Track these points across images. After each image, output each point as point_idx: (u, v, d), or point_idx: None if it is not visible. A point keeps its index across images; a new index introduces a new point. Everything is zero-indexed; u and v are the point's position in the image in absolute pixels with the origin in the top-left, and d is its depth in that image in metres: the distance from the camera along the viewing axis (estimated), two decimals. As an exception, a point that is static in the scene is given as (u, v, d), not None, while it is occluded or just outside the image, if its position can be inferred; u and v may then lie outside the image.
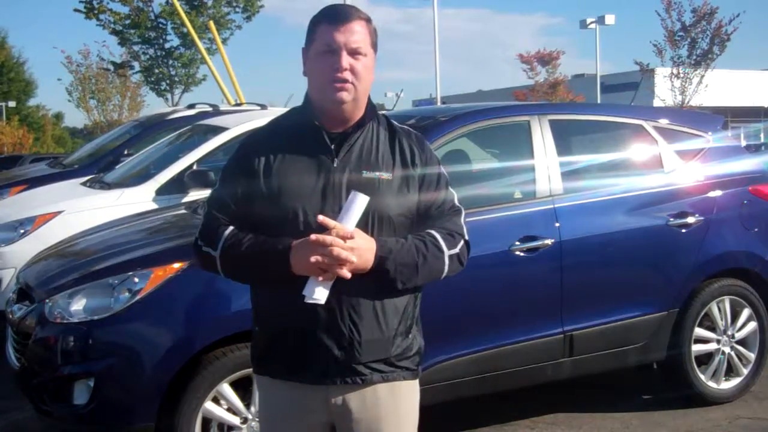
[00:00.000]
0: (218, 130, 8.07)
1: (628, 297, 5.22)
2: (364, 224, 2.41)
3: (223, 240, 2.50)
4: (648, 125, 5.64)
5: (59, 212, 7.08)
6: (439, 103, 32.58)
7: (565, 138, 5.37)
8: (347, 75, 2.45)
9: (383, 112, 2.63)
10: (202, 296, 4.23)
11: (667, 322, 5.35)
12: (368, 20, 2.54)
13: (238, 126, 8.02)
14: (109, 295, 4.22)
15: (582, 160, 5.52)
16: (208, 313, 4.21)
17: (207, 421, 4.18)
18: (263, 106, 11.29)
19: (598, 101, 36.39)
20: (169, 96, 29.58)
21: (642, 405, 5.65)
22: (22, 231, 7.01)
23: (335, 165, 2.48)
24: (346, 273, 2.34)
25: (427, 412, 2.94)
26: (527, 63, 37.88)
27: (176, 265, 4.23)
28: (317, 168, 2.48)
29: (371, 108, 2.57)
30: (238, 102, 14.27)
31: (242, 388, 4.25)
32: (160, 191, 7.29)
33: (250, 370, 4.16)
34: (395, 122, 2.64)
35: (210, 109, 11.06)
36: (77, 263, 4.74)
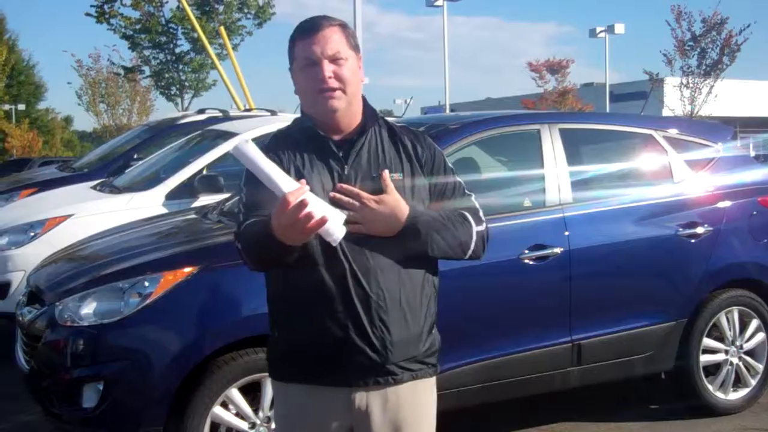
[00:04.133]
0: (228, 135, 8.10)
1: (636, 306, 5.22)
2: None
3: (242, 230, 2.53)
4: (658, 135, 5.65)
5: (69, 216, 7.11)
6: (447, 111, 32.61)
7: (575, 147, 5.38)
8: (333, 83, 2.48)
9: (392, 118, 2.65)
10: (211, 301, 4.25)
11: (675, 332, 5.34)
12: (342, 25, 2.58)
13: (248, 131, 8.03)
14: (119, 299, 4.23)
15: (592, 169, 5.52)
16: (218, 318, 4.22)
17: (215, 426, 4.19)
18: (273, 112, 11.31)
19: (607, 110, 36.37)
20: (179, 101, 29.62)
21: (649, 415, 5.64)
22: (32, 234, 7.04)
23: (346, 172, 2.50)
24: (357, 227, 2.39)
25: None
26: (536, 71, 37.94)
27: (186, 270, 4.24)
28: (329, 175, 2.50)
29: (370, 111, 2.60)
30: (248, 108, 14.28)
31: (251, 393, 4.26)
32: (170, 196, 7.32)
33: (259, 375, 4.24)
34: (393, 122, 2.69)
35: (220, 114, 11.07)
36: (87, 267, 4.77)
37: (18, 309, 4.91)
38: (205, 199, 7.02)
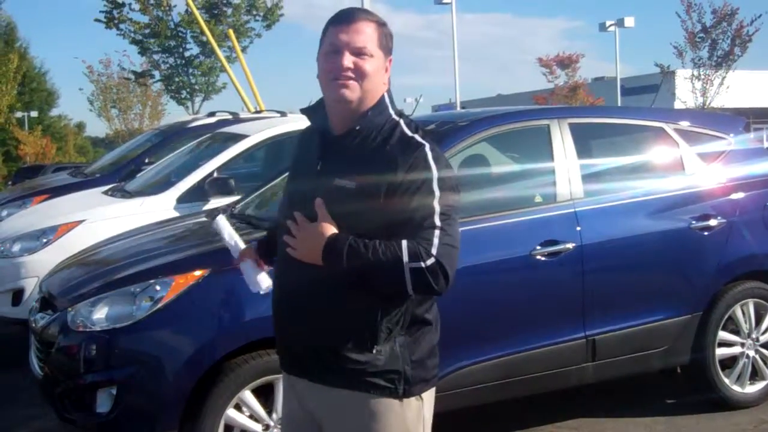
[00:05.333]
0: (238, 137, 8.10)
1: (650, 301, 5.19)
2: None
3: None
4: (669, 128, 5.61)
5: (81, 221, 7.12)
6: (458, 108, 32.58)
7: (586, 141, 5.35)
8: (349, 73, 2.46)
9: (401, 117, 2.58)
10: (223, 303, 4.24)
11: (690, 325, 5.31)
12: (379, 23, 2.54)
13: (258, 133, 8.05)
14: (131, 303, 4.23)
15: (602, 163, 5.49)
16: (230, 321, 4.22)
17: (229, 428, 4.19)
18: (283, 114, 11.31)
19: (619, 104, 36.25)
20: (189, 104, 29.73)
21: (666, 409, 5.61)
22: (44, 240, 7.06)
23: (318, 169, 2.52)
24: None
25: (449, 417, 2.93)
26: (547, 67, 37.84)
27: (197, 273, 4.24)
28: (306, 172, 2.54)
29: (373, 114, 2.51)
30: (258, 109, 14.31)
31: (264, 395, 4.25)
32: (181, 199, 7.32)
33: (272, 377, 4.23)
34: (405, 129, 2.52)
35: (230, 116, 11.10)
36: (99, 272, 4.77)
37: (31, 315, 4.91)
38: (216, 202, 7.03)
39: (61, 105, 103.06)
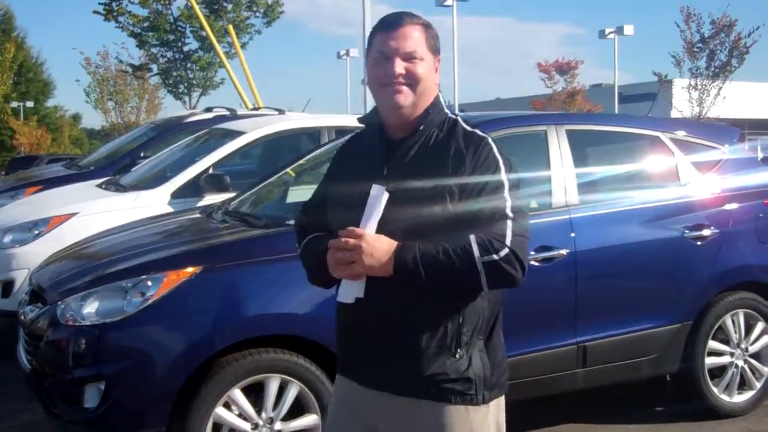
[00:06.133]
0: (235, 134, 8.08)
1: (642, 308, 5.19)
2: (402, 233, 2.38)
3: (298, 242, 2.71)
4: (665, 137, 5.62)
5: (74, 214, 7.09)
6: (456, 111, 32.50)
7: (582, 148, 5.36)
8: (401, 79, 2.47)
9: (457, 114, 2.59)
10: (215, 301, 4.22)
11: (680, 334, 5.31)
12: (425, 25, 2.55)
13: (255, 130, 8.03)
14: (121, 299, 4.21)
15: (598, 170, 5.49)
16: (221, 319, 4.20)
17: (218, 427, 4.17)
18: (281, 111, 11.32)
19: (616, 111, 36.28)
20: (186, 99, 29.68)
21: (654, 417, 5.62)
22: (36, 232, 7.03)
23: (385, 173, 2.48)
24: (357, 269, 2.36)
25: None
26: (546, 72, 37.87)
27: (190, 270, 4.23)
28: (370, 179, 2.47)
29: (434, 113, 2.52)
30: (256, 106, 14.29)
31: (253, 394, 4.24)
32: (176, 194, 7.30)
33: (262, 375, 4.23)
34: (464, 125, 2.53)
35: (227, 112, 11.09)
36: (91, 266, 4.75)
37: (20, 307, 4.90)
38: (210, 198, 7.01)
39: (57, 96, 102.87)
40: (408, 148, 2.51)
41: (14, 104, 49.01)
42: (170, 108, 41.22)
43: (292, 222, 4.66)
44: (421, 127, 2.51)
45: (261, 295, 4.30)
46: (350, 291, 2.41)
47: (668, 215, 5.36)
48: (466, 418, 2.47)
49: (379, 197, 2.37)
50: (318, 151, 6.60)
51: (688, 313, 5.33)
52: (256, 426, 4.23)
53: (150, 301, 4.14)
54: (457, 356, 2.44)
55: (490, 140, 2.50)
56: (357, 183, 2.47)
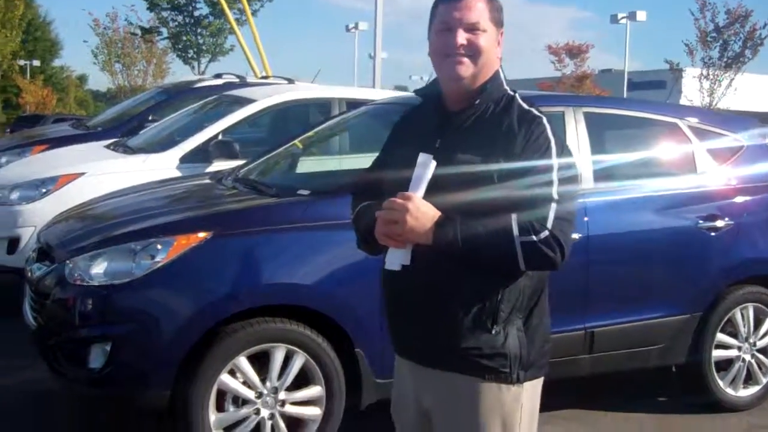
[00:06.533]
0: (245, 101, 8.01)
1: (652, 297, 5.14)
2: (446, 204, 2.36)
3: (352, 208, 2.72)
4: (683, 125, 5.54)
5: (82, 174, 7.04)
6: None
7: (599, 132, 5.29)
8: (463, 50, 2.45)
9: (516, 91, 2.55)
10: (223, 268, 4.18)
11: (689, 325, 5.26)
12: None
13: (266, 99, 7.96)
14: (130, 260, 4.17)
15: (615, 155, 5.43)
16: (229, 285, 4.15)
17: (222, 393, 4.13)
18: (290, 81, 11.24)
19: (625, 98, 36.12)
20: (195, 64, 29.57)
21: (658, 407, 5.58)
22: (43, 190, 6.98)
23: (437, 146, 2.46)
24: (399, 231, 2.34)
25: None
26: (555, 54, 37.71)
27: (200, 235, 4.18)
28: (427, 146, 2.44)
29: (492, 87, 2.50)
30: (265, 75, 14.21)
31: (259, 362, 4.20)
32: (185, 159, 7.24)
33: (268, 344, 4.19)
34: (522, 102, 2.50)
35: (237, 80, 11.03)
36: (99, 226, 4.71)
37: (27, 265, 4.86)
38: (219, 165, 6.96)
39: (64, 56, 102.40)
40: (462, 121, 2.49)
41: (21, 62, 48.81)
42: (178, 73, 41.04)
43: (303, 192, 4.64)
44: (476, 101, 2.49)
45: (270, 264, 4.26)
46: (396, 258, 2.40)
47: (683, 204, 5.30)
48: (498, 397, 2.47)
49: (426, 165, 2.37)
50: (327, 124, 6.54)
51: (698, 305, 5.28)
52: (260, 395, 4.20)
53: (159, 265, 4.10)
54: (493, 332, 2.43)
55: (544, 120, 2.47)
56: (410, 153, 2.45)
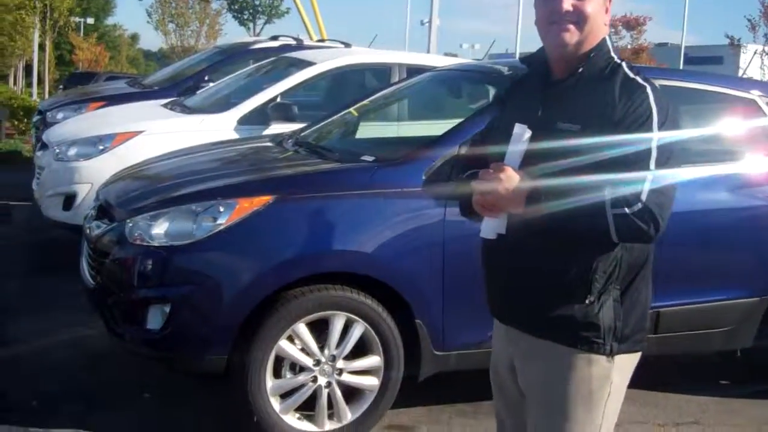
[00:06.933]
0: (304, 64, 7.90)
1: (721, 278, 4.96)
2: (541, 173, 2.33)
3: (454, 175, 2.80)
4: (762, 101, 5.33)
5: (140, 132, 6.99)
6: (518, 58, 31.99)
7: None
8: (568, 17, 2.40)
9: (623, 60, 2.47)
10: (285, 233, 4.09)
11: (758, 308, 5.07)
12: None
13: (326, 62, 7.85)
14: (191, 222, 4.09)
15: (687, 130, 5.22)
16: (292, 251, 4.07)
17: (279, 360, 4.07)
18: (347, 45, 11.11)
19: (681, 72, 35.40)
20: (250, 26, 29.49)
21: (720, 390, 5.42)
22: (101, 147, 6.94)
23: (539, 114, 2.44)
24: (493, 199, 2.33)
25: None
26: (612, 26, 37.01)
27: (263, 198, 4.09)
28: (525, 120, 2.41)
29: (597, 55, 2.44)
30: (321, 38, 14.08)
31: (317, 330, 4.13)
32: (243, 121, 7.16)
33: (328, 312, 4.11)
34: (627, 71, 2.43)
35: (294, 42, 10.91)
36: (160, 186, 4.65)
37: (86, 222, 4.82)
38: (277, 127, 6.87)
39: (117, 14, 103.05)
40: (564, 89, 2.46)
41: (76, 20, 49.15)
42: (230, 34, 41.04)
43: (367, 158, 4.53)
44: (580, 69, 2.43)
45: (333, 231, 4.16)
46: (491, 227, 2.41)
47: (757, 184, 5.10)
48: (587, 368, 2.44)
49: (521, 136, 2.36)
50: (390, 89, 6.41)
51: (768, 288, 5.10)
52: (318, 362, 4.12)
53: (221, 228, 4.02)
54: (587, 302, 2.40)
55: (649, 89, 2.38)
56: (512, 122, 2.42)
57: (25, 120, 17.67)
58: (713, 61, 37.94)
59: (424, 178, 4.27)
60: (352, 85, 8.50)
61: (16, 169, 12.06)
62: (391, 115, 6.45)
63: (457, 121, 4.69)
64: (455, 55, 48.28)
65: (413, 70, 7.61)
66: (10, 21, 32.63)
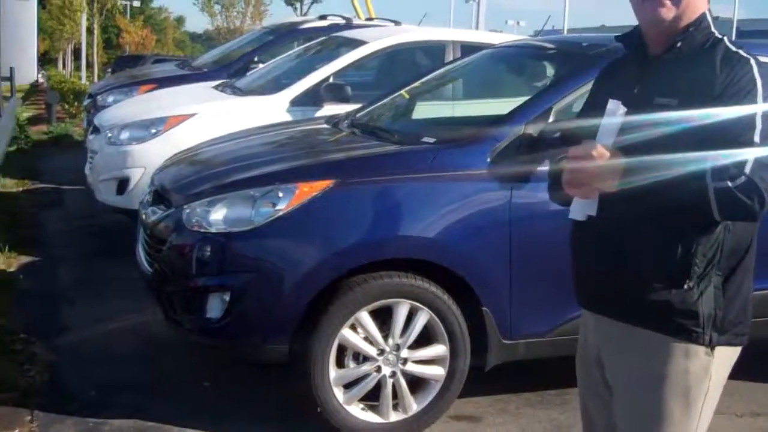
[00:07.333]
0: (356, 43, 7.74)
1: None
2: (637, 149, 2.18)
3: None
4: None
5: (192, 114, 6.88)
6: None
7: None
8: None
9: (724, 35, 2.32)
10: (347, 218, 3.96)
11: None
12: None
13: (379, 40, 7.68)
14: (249, 207, 3.98)
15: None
16: (354, 237, 3.93)
17: (342, 349, 3.94)
18: (397, 23, 10.93)
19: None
20: (297, 5, 29.39)
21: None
22: (153, 131, 6.85)
23: (635, 92, 2.32)
24: (582, 179, 2.20)
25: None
26: (661, 0, 36.34)
27: (324, 183, 3.95)
28: (626, 93, 2.30)
29: (696, 30, 2.30)
30: (369, 17, 13.91)
31: (380, 318, 3.99)
32: (295, 102, 7.02)
33: (392, 300, 3.96)
34: (729, 45, 2.28)
35: (343, 21, 10.76)
36: (216, 171, 4.53)
37: (142, 208, 4.73)
38: (329, 109, 6.74)
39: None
40: (662, 64, 2.34)
41: (122, 2, 49.49)
42: (276, 15, 40.98)
43: (428, 139, 4.37)
44: (678, 44, 2.29)
45: (396, 216, 4.01)
46: (581, 208, 2.30)
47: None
48: (684, 361, 2.29)
49: (614, 113, 2.24)
50: (446, 68, 6.23)
51: None
52: (381, 352, 3.98)
53: (280, 213, 3.90)
54: (685, 287, 2.25)
55: (753, 61, 2.21)
56: (608, 101, 2.29)
57: (75, 103, 17.77)
58: (766, 35, 36.96)
59: (488, 159, 4.10)
60: (405, 64, 8.33)
61: (68, 153, 12.10)
62: (448, 94, 6.27)
63: (518, 100, 4.52)
64: (500, 32, 47.72)
65: (468, 48, 7.41)
66: (59, 5, 32.96)
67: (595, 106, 2.43)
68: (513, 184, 4.04)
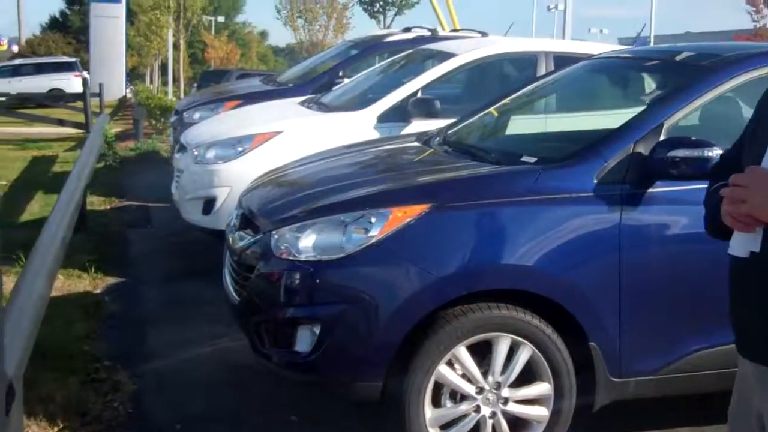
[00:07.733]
0: (445, 55, 7.50)
1: None
2: None
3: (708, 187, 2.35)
4: None
5: (279, 132, 6.74)
6: (652, 43, 30.83)
7: None
8: None
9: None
10: (444, 245, 3.69)
11: None
12: None
13: (468, 53, 7.42)
14: (340, 234, 3.75)
15: None
16: (453, 266, 3.66)
17: (439, 386, 3.68)
18: (484, 34, 10.65)
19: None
20: (381, 18, 29.35)
21: None
22: (240, 149, 6.72)
23: None
24: (744, 209, 1.98)
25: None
26: (753, 5, 35.21)
27: (419, 207, 3.70)
28: None
29: None
30: (454, 28, 13.67)
31: (480, 354, 3.72)
32: (382, 118, 6.81)
33: (492, 334, 3.65)
34: None
35: (428, 33, 10.55)
36: (305, 194, 4.31)
37: (229, 232, 4.55)
38: (418, 125, 6.52)
39: (246, 12, 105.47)
40: None
41: (207, 18, 50.32)
42: (358, 27, 41.12)
43: (529, 159, 4.09)
44: None
45: (496, 243, 3.74)
46: (743, 243, 2.08)
47: None
48: None
49: None
50: (541, 81, 5.91)
51: None
52: (481, 390, 3.71)
53: (373, 240, 3.66)
54: None
55: None
56: None
57: (162, 119, 17.94)
58: None
59: (595, 181, 3.80)
60: (493, 77, 8.06)
61: (154, 169, 12.13)
62: (547, 108, 5.96)
63: (624, 113, 4.22)
64: (584, 41, 46.92)
65: (561, 59, 7.09)
66: (146, 21, 33.62)
67: (757, 127, 2.17)
68: (623, 207, 3.75)
